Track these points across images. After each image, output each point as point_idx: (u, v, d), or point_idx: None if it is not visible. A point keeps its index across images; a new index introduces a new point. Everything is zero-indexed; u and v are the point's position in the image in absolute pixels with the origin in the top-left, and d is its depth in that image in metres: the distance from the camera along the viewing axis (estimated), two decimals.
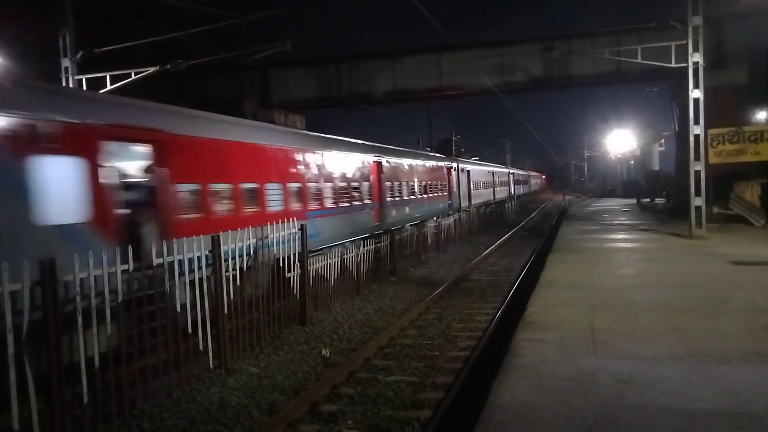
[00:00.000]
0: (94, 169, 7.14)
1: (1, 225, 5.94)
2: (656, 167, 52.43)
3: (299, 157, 12.61)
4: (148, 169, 8.59)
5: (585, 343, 6.33)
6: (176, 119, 9.19)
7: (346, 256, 11.66)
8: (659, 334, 6.55)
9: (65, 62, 14.73)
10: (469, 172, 31.35)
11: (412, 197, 20.94)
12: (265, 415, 6.10)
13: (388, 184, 18.25)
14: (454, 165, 28.26)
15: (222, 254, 7.50)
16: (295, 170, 12.37)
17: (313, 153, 13.40)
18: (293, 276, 9.41)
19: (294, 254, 9.45)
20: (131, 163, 8.85)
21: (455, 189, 27.67)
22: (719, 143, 16.51)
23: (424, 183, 22.62)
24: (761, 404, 4.50)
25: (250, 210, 10.36)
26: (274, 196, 11.24)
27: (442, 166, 25.98)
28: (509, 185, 49.39)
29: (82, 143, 7.04)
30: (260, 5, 16.55)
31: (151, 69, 15.19)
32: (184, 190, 8.76)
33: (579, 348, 6.15)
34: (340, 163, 14.78)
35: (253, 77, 25.38)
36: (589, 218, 25.94)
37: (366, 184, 16.34)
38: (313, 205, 12.95)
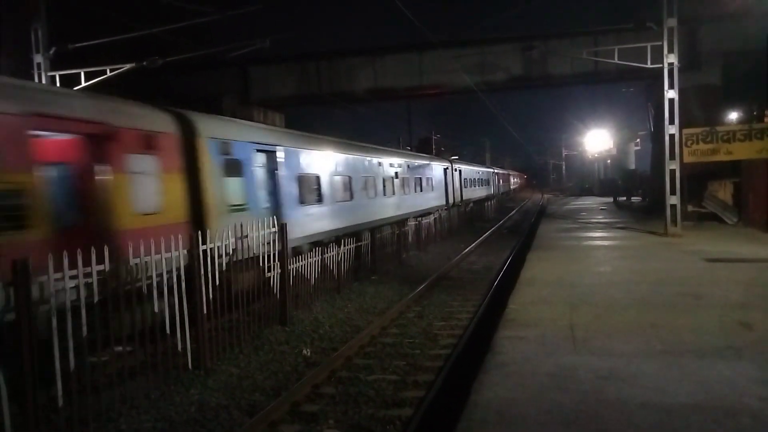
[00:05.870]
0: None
1: None
2: (632, 166, 53.45)
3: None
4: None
5: (565, 339, 6.40)
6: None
7: (326, 255, 11.61)
8: (637, 330, 6.65)
9: (37, 58, 14.39)
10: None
11: None
12: (246, 415, 6.04)
13: None
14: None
15: (201, 253, 7.41)
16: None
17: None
18: (273, 275, 9.34)
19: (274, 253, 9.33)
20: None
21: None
22: (693, 143, 16.81)
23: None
24: (735, 398, 4.60)
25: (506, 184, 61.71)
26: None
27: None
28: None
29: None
30: (239, 1, 16.38)
31: (128, 66, 14.92)
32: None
33: (559, 345, 6.21)
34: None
35: (232, 74, 25.11)
36: (567, 216, 26.25)
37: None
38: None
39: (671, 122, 15.92)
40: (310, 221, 13.36)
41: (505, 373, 5.41)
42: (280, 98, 25.61)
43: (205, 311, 7.42)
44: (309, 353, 8.16)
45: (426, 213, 22.89)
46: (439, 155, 41.05)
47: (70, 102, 7.75)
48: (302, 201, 13.15)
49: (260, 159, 11.69)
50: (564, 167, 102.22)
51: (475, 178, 40.02)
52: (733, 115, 22.42)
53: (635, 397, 4.68)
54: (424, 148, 45.76)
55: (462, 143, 72.09)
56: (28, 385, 4.97)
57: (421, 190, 24.87)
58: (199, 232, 7.50)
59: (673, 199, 16.00)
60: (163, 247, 6.80)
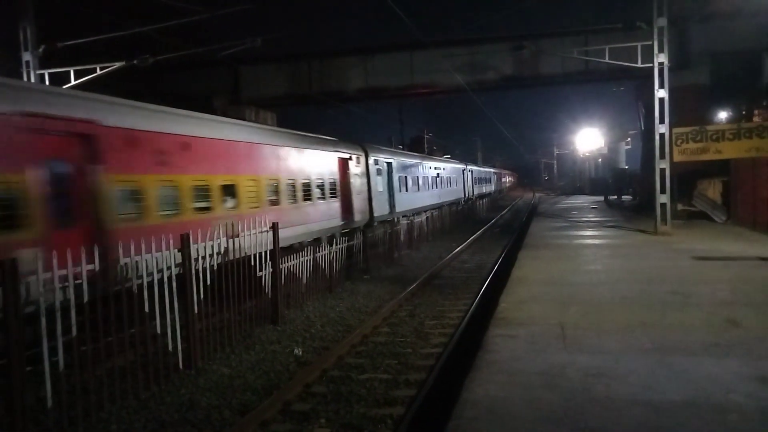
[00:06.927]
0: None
1: None
2: (623, 165, 53.87)
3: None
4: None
5: (555, 338, 6.43)
6: None
7: (318, 254, 11.60)
8: (626, 328, 6.70)
9: (26, 56, 14.26)
10: None
11: None
12: (237, 415, 6.03)
13: None
14: None
15: (191, 253, 7.38)
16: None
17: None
18: (265, 274, 9.32)
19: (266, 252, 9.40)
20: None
21: None
22: (683, 142, 16.93)
23: None
24: (723, 395, 4.64)
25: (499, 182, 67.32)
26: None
27: None
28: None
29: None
30: (230, 0, 16.29)
31: (118, 64, 14.82)
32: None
33: (549, 343, 6.25)
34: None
35: (223, 73, 24.98)
36: (558, 215, 26.36)
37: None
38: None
39: (661, 121, 16.03)
40: (403, 203, 22.49)
41: (496, 371, 5.43)
42: (272, 98, 25.50)
43: (196, 311, 7.41)
44: (300, 352, 8.15)
45: (453, 203, 31.39)
46: (431, 154, 41.39)
47: (338, 145, 16.72)
48: (400, 191, 22.43)
49: (385, 166, 21.05)
50: (555, 166, 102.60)
51: (481, 177, 48.38)
52: (723, 115, 22.63)
53: (624, 395, 4.72)
54: (417, 147, 45.90)
55: (453, 142, 72.30)
56: (16, 385, 4.94)
57: (450, 186, 33.02)
58: (189, 233, 7.49)
59: (663, 198, 16.12)
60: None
